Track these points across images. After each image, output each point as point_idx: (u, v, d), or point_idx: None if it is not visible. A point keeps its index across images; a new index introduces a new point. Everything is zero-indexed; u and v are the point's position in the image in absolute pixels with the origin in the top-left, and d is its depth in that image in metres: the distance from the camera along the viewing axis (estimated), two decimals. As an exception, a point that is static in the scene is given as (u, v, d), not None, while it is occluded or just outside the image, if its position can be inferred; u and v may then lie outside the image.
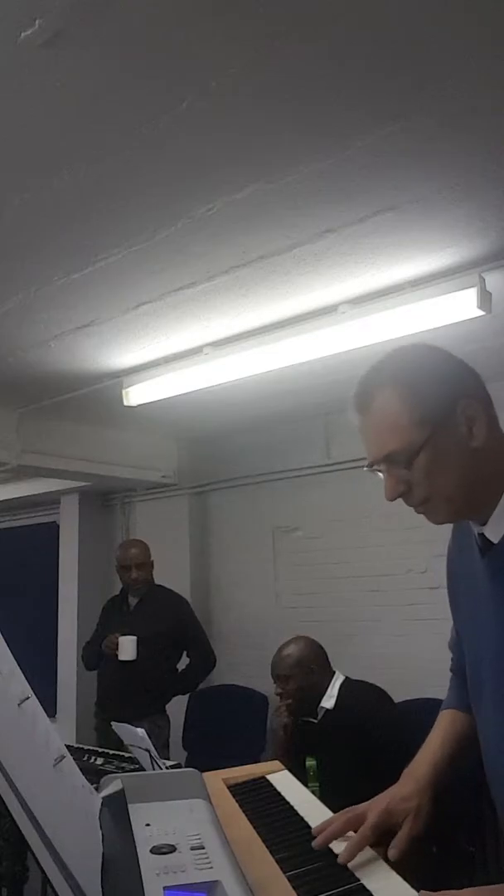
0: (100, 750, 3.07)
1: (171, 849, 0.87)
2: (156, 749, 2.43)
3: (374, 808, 1.17)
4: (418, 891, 0.92)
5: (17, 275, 2.47)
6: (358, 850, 1.04)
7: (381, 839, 1.12)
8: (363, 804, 1.18)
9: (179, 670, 3.93)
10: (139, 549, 3.95)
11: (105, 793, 1.07)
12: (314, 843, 1.07)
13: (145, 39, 1.43)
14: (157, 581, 4.02)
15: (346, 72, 1.54)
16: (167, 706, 3.85)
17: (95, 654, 3.87)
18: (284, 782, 1.34)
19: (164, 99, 1.60)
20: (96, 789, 1.08)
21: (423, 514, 1.13)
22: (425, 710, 3.76)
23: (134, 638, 3.61)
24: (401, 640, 3.93)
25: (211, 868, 0.83)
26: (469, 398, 1.09)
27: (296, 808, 1.21)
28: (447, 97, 1.62)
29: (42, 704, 0.96)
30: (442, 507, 1.11)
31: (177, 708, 4.04)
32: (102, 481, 4.84)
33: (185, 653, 3.94)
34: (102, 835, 0.90)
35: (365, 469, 1.14)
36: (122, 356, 3.29)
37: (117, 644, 3.61)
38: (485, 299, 2.43)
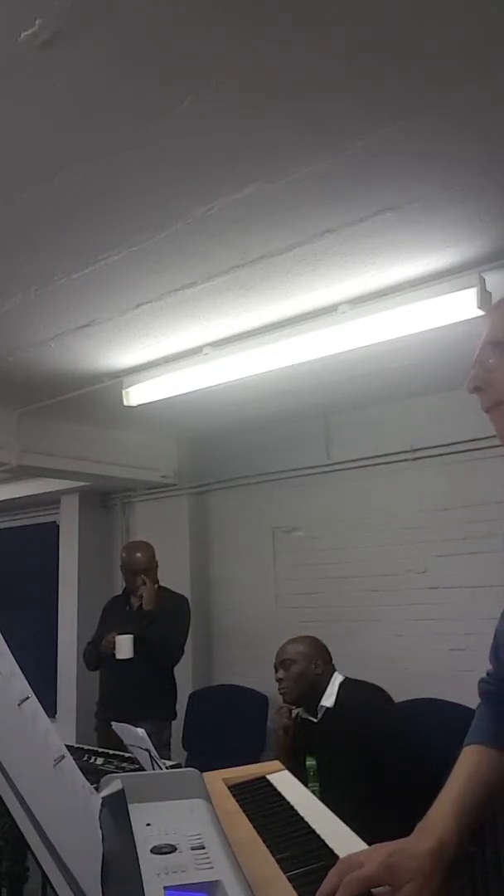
0: (100, 750, 3.07)
1: (172, 849, 0.87)
2: (157, 749, 2.43)
3: (373, 857, 0.92)
4: None
5: (17, 275, 2.47)
6: None
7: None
8: (363, 851, 0.95)
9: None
10: (144, 554, 3.92)
11: (105, 793, 1.07)
12: None
13: (145, 39, 1.43)
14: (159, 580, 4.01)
15: (346, 72, 1.54)
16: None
17: (95, 654, 3.87)
18: (284, 782, 1.34)
19: (164, 99, 1.60)
20: (96, 789, 1.08)
21: (492, 422, 1.06)
22: (425, 710, 3.77)
23: (130, 636, 3.61)
24: (401, 640, 3.93)
25: (211, 868, 0.83)
26: None
27: (296, 808, 1.20)
28: (447, 97, 1.63)
29: (42, 704, 0.96)
30: None
31: (177, 708, 4.03)
32: (102, 481, 4.84)
33: (185, 652, 3.94)
34: (102, 835, 0.90)
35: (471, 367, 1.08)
36: (122, 356, 3.29)
37: (114, 643, 3.61)
38: (485, 299, 2.43)
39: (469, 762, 1.10)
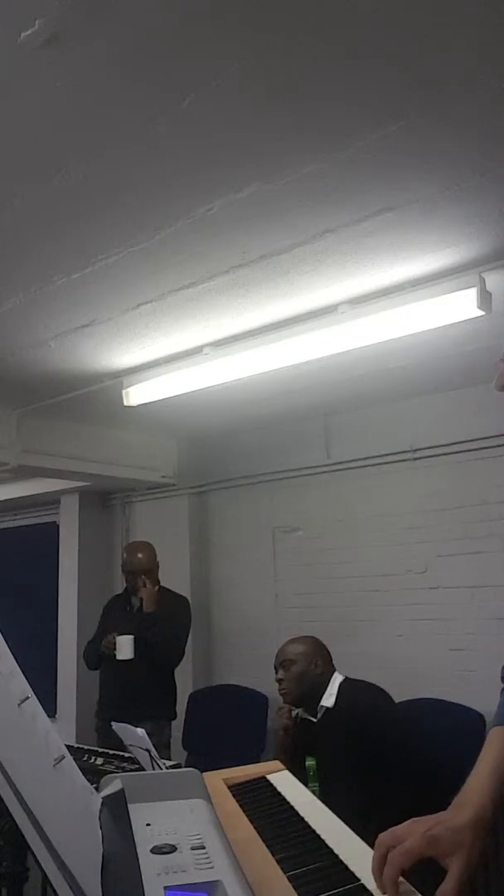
0: (100, 750, 3.07)
1: (172, 849, 0.87)
2: (157, 749, 2.43)
3: (413, 829, 0.97)
4: (419, 889, 0.92)
5: (17, 275, 2.47)
6: (392, 880, 0.90)
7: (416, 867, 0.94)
8: (401, 826, 0.99)
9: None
10: (145, 555, 3.91)
11: (105, 793, 1.08)
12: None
13: (145, 39, 1.43)
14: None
15: (346, 72, 1.54)
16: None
17: (95, 654, 3.87)
18: (284, 782, 1.34)
19: (164, 99, 1.60)
20: (96, 789, 1.08)
21: None
22: (425, 710, 3.77)
23: (131, 637, 3.61)
24: (401, 640, 3.93)
25: (211, 868, 0.83)
26: None
27: (296, 808, 1.20)
28: (447, 97, 1.62)
29: (42, 704, 0.96)
30: None
31: (177, 708, 4.04)
32: (102, 481, 4.84)
33: (185, 653, 3.94)
34: (102, 835, 0.90)
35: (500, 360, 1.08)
36: (122, 356, 3.29)
37: (115, 644, 3.61)
38: (485, 299, 2.43)
39: (499, 741, 1.15)
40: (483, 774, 1.09)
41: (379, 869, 0.92)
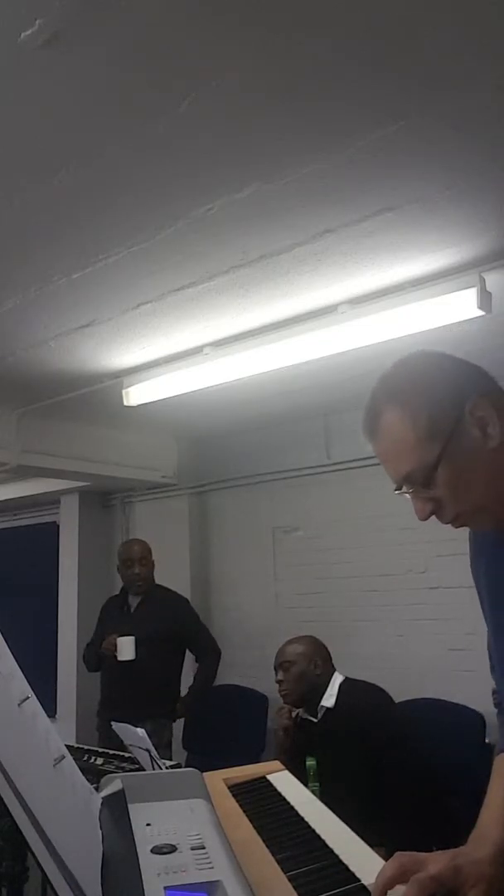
0: (100, 750, 3.07)
1: (172, 849, 0.87)
2: (157, 749, 2.43)
3: (437, 859, 0.96)
4: None
5: (17, 275, 2.47)
6: None
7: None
8: (420, 853, 0.98)
9: (192, 676, 3.94)
10: (141, 546, 3.98)
11: (105, 793, 1.08)
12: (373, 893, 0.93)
13: (145, 39, 1.43)
14: (158, 581, 4.02)
15: (346, 72, 1.54)
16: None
17: (95, 655, 3.87)
18: (284, 782, 1.34)
19: (164, 99, 1.60)
20: (96, 789, 1.08)
21: (465, 526, 1.08)
22: (425, 710, 3.77)
23: (132, 638, 3.61)
24: (401, 640, 3.93)
25: (211, 868, 0.83)
26: (477, 398, 1.03)
27: (296, 808, 1.20)
28: (447, 97, 1.62)
29: (42, 704, 0.96)
30: (479, 517, 1.07)
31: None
32: (102, 481, 4.84)
33: (187, 651, 3.94)
34: (102, 835, 0.90)
35: (395, 492, 1.09)
36: (122, 356, 3.29)
37: (116, 645, 3.61)
38: (485, 299, 2.43)
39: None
40: (495, 807, 1.09)
41: (388, 882, 0.91)
